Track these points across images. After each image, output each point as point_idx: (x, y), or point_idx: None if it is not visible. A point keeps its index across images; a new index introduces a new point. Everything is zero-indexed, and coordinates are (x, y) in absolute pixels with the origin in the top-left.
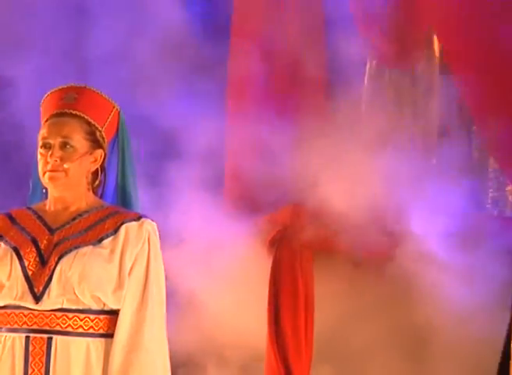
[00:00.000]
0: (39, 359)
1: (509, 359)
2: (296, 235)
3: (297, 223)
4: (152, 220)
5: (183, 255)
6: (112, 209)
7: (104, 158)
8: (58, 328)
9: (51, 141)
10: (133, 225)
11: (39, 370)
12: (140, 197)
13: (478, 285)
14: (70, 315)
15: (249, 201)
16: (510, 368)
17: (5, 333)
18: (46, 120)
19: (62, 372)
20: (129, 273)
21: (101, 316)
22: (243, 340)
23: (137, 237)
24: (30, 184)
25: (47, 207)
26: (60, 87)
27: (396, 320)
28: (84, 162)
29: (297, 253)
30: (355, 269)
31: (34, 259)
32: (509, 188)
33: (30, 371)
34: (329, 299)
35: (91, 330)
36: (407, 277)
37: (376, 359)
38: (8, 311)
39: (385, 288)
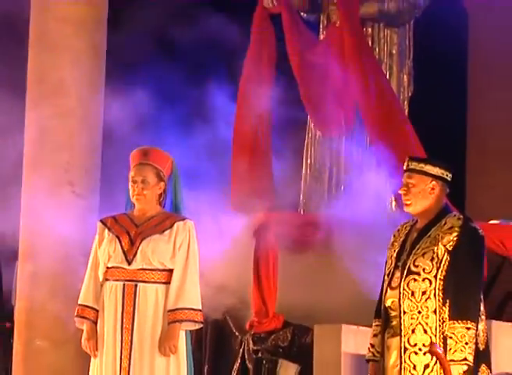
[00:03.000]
0: (130, 297)
1: None
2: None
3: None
4: (191, 220)
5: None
6: (169, 214)
7: (165, 187)
8: (140, 279)
9: (137, 179)
10: (180, 223)
11: (130, 303)
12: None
13: None
14: (147, 271)
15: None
16: None
17: (111, 282)
18: (133, 166)
19: (143, 304)
20: (179, 249)
21: (164, 272)
22: (240, 289)
23: (183, 230)
24: (125, 201)
25: (134, 213)
26: (140, 148)
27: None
28: (154, 190)
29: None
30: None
31: (127, 242)
32: None
33: (125, 303)
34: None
35: (158, 280)
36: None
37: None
38: (113, 269)
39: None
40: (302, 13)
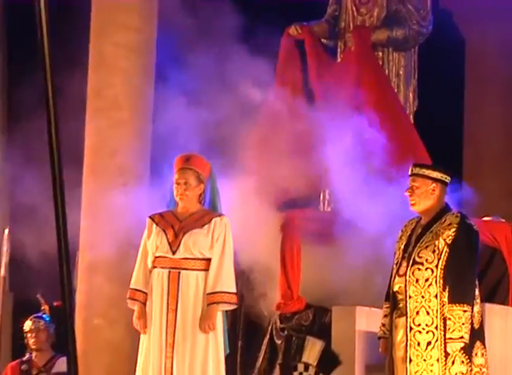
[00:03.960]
0: (174, 282)
1: None
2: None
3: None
4: (226, 216)
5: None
6: (208, 211)
7: (204, 188)
8: (183, 267)
9: (180, 181)
10: (217, 219)
11: (175, 287)
12: None
13: None
14: (189, 260)
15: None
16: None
17: (159, 270)
18: (177, 170)
19: (185, 288)
20: (216, 241)
21: (203, 261)
22: (269, 275)
23: (220, 225)
24: (169, 199)
25: (178, 210)
26: (182, 154)
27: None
28: (195, 191)
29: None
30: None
31: (172, 234)
32: None
33: (170, 287)
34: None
35: (198, 268)
36: None
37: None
38: (160, 258)
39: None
40: (323, 39)
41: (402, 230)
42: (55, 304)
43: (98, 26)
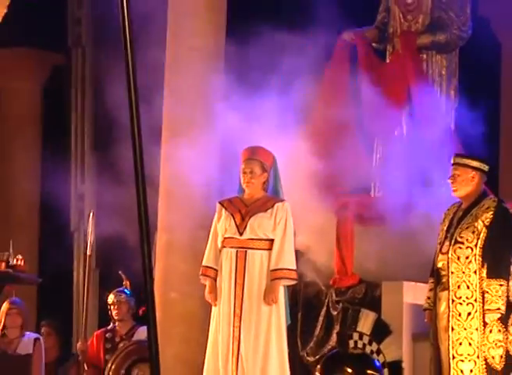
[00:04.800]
0: (241, 260)
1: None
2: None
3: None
4: (287, 202)
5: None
6: (271, 197)
7: (268, 177)
8: (249, 246)
9: (246, 170)
10: (280, 204)
11: (242, 265)
12: None
13: None
14: (254, 241)
15: None
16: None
17: (227, 249)
18: (243, 161)
19: (251, 265)
20: (278, 224)
21: (267, 241)
22: (326, 254)
23: (282, 210)
24: (238, 187)
25: (244, 196)
26: (248, 147)
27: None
28: (259, 179)
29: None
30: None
31: (239, 218)
32: None
33: (238, 265)
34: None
35: (263, 247)
36: None
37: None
38: (229, 239)
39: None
40: (373, 43)
41: (445, 214)
42: (140, 312)
43: (172, 32)
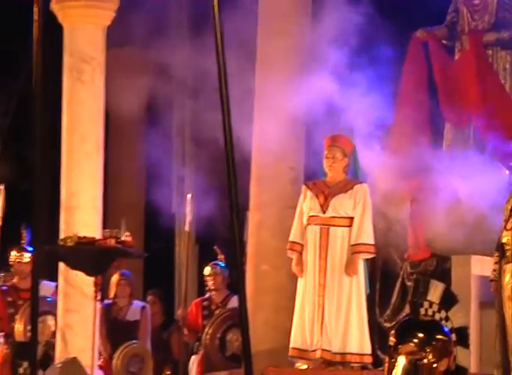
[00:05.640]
0: (324, 236)
1: None
2: None
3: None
4: (366, 184)
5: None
6: (351, 180)
7: (348, 161)
8: (331, 224)
9: (329, 156)
10: (359, 186)
11: (325, 240)
12: None
13: None
14: (336, 218)
15: None
16: None
17: (312, 226)
18: (326, 147)
19: (333, 241)
20: (357, 203)
21: (347, 219)
22: (401, 231)
23: (361, 190)
24: (321, 170)
25: (327, 179)
26: (330, 135)
27: None
28: (340, 163)
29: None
30: None
31: (323, 198)
32: None
33: (321, 240)
34: None
35: (344, 224)
36: None
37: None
38: (313, 217)
39: None
40: (443, 41)
41: (510, 194)
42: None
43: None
